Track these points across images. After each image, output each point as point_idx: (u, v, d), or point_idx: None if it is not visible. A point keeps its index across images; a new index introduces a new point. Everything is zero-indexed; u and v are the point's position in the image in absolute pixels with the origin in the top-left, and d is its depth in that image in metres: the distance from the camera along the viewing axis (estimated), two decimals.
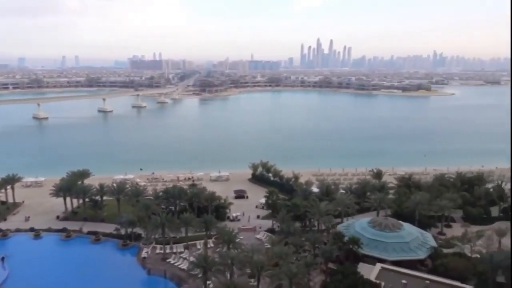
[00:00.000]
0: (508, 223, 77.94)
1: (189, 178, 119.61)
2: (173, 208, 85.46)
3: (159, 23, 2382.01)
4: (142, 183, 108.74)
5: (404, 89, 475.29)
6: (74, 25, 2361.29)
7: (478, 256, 58.78)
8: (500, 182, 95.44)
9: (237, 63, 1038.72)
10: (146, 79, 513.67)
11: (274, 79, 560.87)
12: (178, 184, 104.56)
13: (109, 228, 78.13)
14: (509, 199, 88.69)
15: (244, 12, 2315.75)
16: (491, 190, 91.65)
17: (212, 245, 70.72)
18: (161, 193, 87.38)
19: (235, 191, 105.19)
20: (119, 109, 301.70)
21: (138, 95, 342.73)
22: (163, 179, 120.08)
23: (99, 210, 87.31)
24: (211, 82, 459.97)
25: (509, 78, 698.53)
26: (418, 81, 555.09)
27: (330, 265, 59.75)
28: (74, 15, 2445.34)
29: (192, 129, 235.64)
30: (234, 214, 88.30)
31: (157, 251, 69.26)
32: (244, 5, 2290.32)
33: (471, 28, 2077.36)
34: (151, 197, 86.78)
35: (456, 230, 76.65)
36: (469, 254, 61.89)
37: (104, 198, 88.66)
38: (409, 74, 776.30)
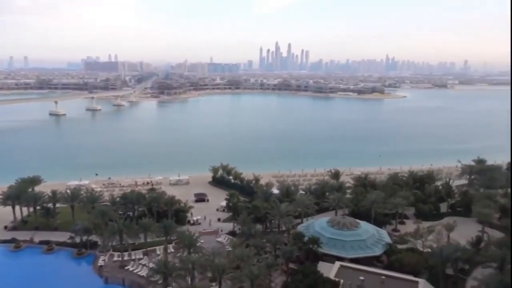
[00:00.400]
0: (456, 218, 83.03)
1: (147, 183, 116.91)
2: (131, 213, 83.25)
3: (115, 23, 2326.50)
4: (98, 189, 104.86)
5: (360, 92, 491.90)
6: (24, 24, 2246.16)
7: (429, 250, 61.92)
8: (448, 179, 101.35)
9: (196, 66, 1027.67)
10: (101, 81, 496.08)
11: (234, 81, 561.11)
12: (137, 189, 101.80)
13: (63, 236, 74.82)
14: (456, 196, 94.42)
15: (203, 14, 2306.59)
16: (440, 187, 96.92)
17: (172, 250, 69.64)
18: (118, 199, 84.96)
19: (195, 195, 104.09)
20: (73, 112, 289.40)
21: (92, 97, 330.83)
22: (120, 184, 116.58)
23: (51, 218, 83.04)
24: (170, 85, 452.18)
25: (455, 82, 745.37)
26: (372, 84, 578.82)
27: (291, 265, 60.71)
28: (23, 14, 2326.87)
29: (151, 132, 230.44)
30: (194, 218, 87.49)
31: (115, 258, 67.16)
32: (202, 7, 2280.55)
33: (422, 33, 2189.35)
34: (108, 203, 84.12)
35: (409, 226, 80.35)
36: (421, 249, 65.18)
37: (57, 205, 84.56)
38: (363, 78, 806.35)
